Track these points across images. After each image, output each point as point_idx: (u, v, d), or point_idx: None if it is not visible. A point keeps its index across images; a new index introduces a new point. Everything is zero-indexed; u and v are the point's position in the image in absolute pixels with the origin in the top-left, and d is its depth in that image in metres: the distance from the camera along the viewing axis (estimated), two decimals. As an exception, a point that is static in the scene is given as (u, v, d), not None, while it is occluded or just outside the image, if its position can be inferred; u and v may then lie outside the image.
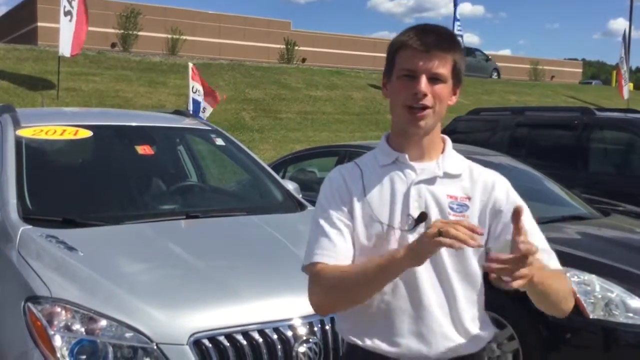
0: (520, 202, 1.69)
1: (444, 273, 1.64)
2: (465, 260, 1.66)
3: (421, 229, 1.61)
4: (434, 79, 1.62)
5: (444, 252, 1.60)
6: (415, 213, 1.64)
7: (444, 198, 1.66)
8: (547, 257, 1.65)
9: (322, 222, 1.69)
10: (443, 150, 1.74)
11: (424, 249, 1.48)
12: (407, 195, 1.66)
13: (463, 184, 1.70)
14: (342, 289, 1.62)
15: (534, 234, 1.63)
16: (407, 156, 1.69)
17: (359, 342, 1.68)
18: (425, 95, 1.60)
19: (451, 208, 1.65)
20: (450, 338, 1.63)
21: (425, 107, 1.62)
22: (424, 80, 1.60)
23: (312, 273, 1.68)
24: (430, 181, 1.68)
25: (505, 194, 1.70)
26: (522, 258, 1.40)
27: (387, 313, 1.65)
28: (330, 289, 1.65)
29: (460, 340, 1.65)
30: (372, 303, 1.65)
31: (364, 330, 1.68)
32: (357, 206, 1.68)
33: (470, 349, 1.67)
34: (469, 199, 1.67)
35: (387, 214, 1.66)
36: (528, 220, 1.62)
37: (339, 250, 1.66)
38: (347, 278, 1.61)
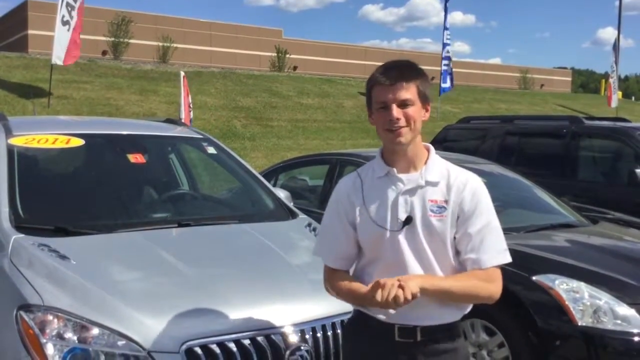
0: (484, 201, 2.08)
1: (426, 259, 2.06)
2: (442, 248, 2.06)
3: (406, 230, 2.05)
4: (403, 104, 2.02)
5: (424, 242, 2.04)
6: (402, 217, 2.06)
7: (426, 202, 2.06)
8: (478, 258, 2.04)
9: (331, 230, 2.20)
10: (427, 160, 2.11)
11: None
12: (395, 203, 2.08)
13: (442, 189, 2.07)
14: (345, 297, 2.19)
15: (480, 233, 2.04)
16: (395, 170, 2.10)
17: (362, 309, 2.14)
18: (398, 119, 2.02)
19: (432, 210, 2.05)
20: (429, 310, 2.05)
21: (400, 127, 2.02)
22: (394, 108, 2.02)
23: (328, 272, 2.22)
24: (415, 190, 2.08)
25: (472, 194, 2.06)
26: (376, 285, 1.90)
27: None
28: (338, 293, 2.20)
29: (439, 312, 2.06)
30: (371, 281, 2.03)
31: None
32: (358, 213, 2.13)
33: (447, 319, 2.09)
34: (446, 201, 2.06)
35: (380, 218, 2.08)
36: (480, 219, 2.04)
37: (347, 257, 2.20)
38: (348, 293, 2.15)
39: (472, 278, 2.04)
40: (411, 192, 2.07)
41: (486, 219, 2.06)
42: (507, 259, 2.08)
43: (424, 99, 2.07)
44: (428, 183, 2.07)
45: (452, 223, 2.05)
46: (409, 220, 2.04)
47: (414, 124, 2.03)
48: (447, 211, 2.05)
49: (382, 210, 2.08)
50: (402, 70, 2.05)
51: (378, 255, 2.11)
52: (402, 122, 2.01)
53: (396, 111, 2.01)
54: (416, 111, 2.04)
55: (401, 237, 2.06)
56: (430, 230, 2.04)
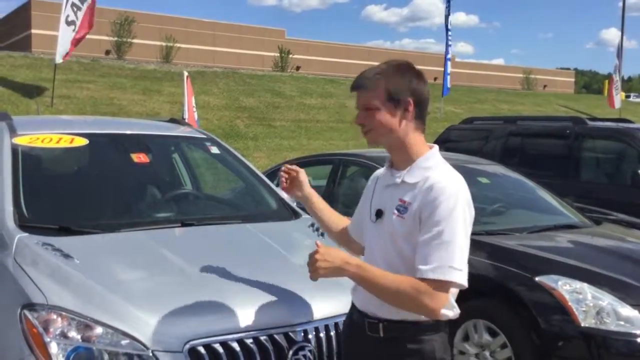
0: (443, 209, 1.97)
1: (391, 257, 2.08)
2: (406, 250, 2.04)
3: (378, 223, 2.15)
4: (367, 109, 2.11)
5: (388, 239, 2.09)
6: (375, 209, 2.18)
7: (395, 201, 2.09)
8: (417, 268, 1.97)
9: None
10: (415, 160, 2.11)
11: None
12: (376, 194, 2.22)
13: (415, 191, 2.06)
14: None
15: (428, 243, 1.96)
16: (388, 165, 2.21)
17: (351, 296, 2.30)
18: (360, 122, 2.14)
19: (397, 209, 2.08)
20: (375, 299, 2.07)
21: (365, 129, 2.13)
22: (359, 113, 2.14)
23: None
24: (392, 186, 2.14)
25: (432, 200, 1.99)
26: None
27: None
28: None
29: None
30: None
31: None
32: (364, 200, 2.31)
33: (405, 315, 2.04)
34: (411, 204, 2.04)
35: (368, 205, 2.24)
36: (435, 228, 1.96)
37: (355, 224, 2.43)
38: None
39: (406, 283, 1.96)
40: (390, 188, 2.14)
41: (440, 228, 1.95)
42: (450, 277, 1.93)
43: (393, 104, 2.08)
44: (403, 183, 2.09)
45: (413, 227, 2.01)
46: (379, 213, 2.15)
47: (377, 127, 2.10)
48: (408, 213, 2.03)
49: (370, 199, 2.24)
50: (356, 80, 2.14)
51: (366, 237, 2.26)
52: (366, 126, 2.12)
53: (359, 115, 2.14)
54: (378, 115, 2.09)
55: (374, 229, 2.17)
56: (393, 229, 2.06)
